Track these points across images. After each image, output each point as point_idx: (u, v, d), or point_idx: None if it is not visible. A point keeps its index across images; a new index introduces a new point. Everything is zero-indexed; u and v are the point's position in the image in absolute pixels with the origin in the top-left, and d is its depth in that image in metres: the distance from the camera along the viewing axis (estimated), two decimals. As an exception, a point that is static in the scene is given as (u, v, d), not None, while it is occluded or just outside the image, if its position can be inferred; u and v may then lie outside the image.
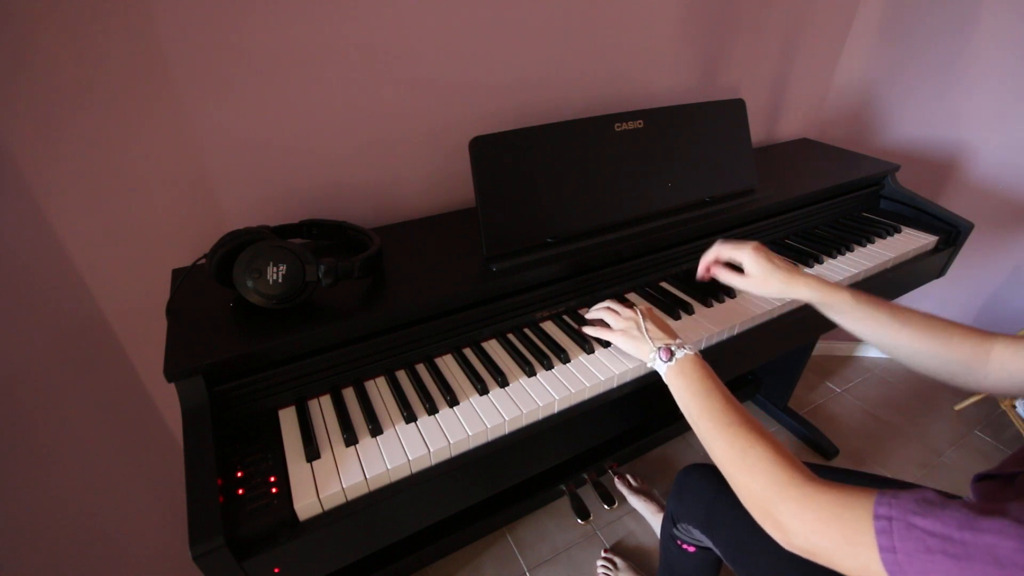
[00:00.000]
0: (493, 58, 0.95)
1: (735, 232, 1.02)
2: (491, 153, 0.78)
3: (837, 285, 0.70)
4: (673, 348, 0.66)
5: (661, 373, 0.66)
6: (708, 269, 0.81)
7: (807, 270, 0.98)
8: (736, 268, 0.78)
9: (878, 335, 0.67)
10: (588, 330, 0.77)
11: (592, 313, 0.78)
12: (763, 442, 0.52)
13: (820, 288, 0.70)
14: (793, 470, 0.48)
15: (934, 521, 0.37)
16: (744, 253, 0.74)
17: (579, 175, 0.86)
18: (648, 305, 0.77)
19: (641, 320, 0.71)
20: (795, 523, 0.46)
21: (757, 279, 0.74)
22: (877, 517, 0.40)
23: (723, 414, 0.57)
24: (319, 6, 0.77)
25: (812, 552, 0.45)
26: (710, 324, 0.83)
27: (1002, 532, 0.35)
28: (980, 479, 0.55)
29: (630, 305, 0.76)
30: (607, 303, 0.77)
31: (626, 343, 0.71)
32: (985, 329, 0.61)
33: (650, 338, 0.69)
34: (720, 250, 0.78)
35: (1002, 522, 0.35)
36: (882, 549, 0.39)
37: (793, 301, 0.89)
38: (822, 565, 0.44)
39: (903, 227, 1.15)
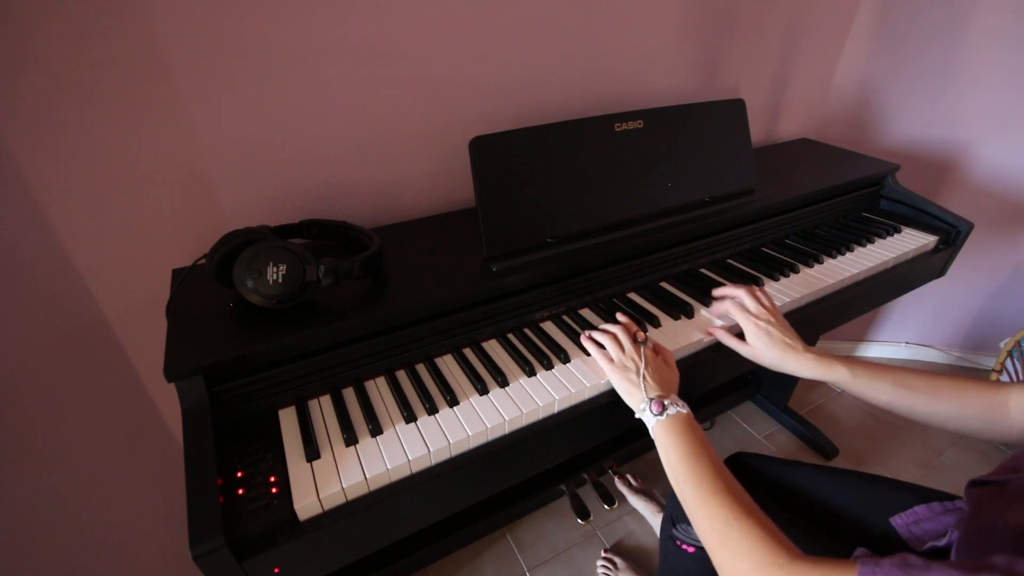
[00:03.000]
0: (493, 58, 0.95)
1: (735, 232, 1.02)
2: (491, 153, 0.78)
3: (836, 360, 0.69)
4: (666, 403, 0.63)
5: (649, 426, 0.64)
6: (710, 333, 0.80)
7: (806, 270, 0.98)
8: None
9: (887, 404, 0.66)
10: (588, 346, 0.74)
11: (597, 335, 0.74)
12: (748, 517, 0.51)
13: (816, 367, 0.70)
14: (778, 549, 0.47)
15: None
16: (747, 325, 0.74)
17: (579, 175, 0.86)
18: (658, 347, 0.73)
19: (643, 365, 0.68)
20: None
21: (755, 350, 0.74)
22: None
23: (710, 482, 0.55)
24: (320, 5, 0.77)
25: None
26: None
27: None
28: (973, 485, 0.54)
29: (638, 343, 0.71)
30: (616, 330, 0.73)
31: (619, 382, 0.68)
32: (999, 381, 0.60)
33: (645, 387, 0.66)
34: (730, 307, 0.77)
35: None
36: None
37: (792, 304, 0.90)
38: None
39: (903, 227, 1.15)
